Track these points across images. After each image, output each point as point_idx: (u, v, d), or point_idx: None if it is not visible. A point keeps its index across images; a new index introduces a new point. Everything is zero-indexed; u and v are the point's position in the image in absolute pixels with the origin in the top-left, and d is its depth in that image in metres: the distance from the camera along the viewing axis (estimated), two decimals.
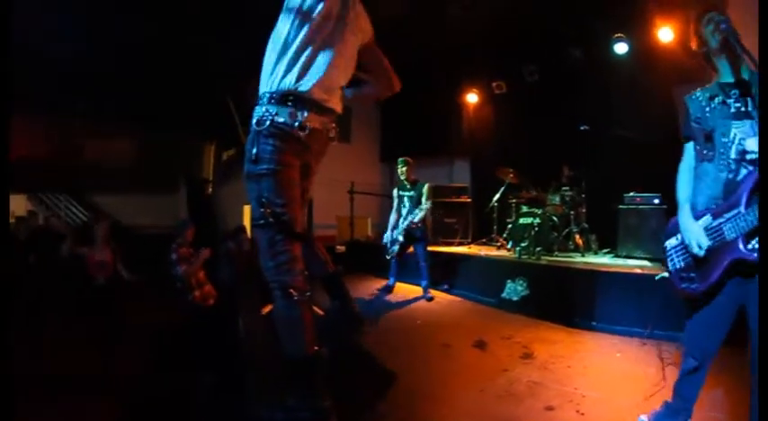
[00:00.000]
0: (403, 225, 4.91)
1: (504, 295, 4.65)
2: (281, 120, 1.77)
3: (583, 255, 5.13)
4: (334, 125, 1.97)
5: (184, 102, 9.05)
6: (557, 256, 5.10)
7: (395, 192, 5.18)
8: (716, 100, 1.68)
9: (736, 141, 1.61)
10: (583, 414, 2.28)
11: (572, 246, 5.41)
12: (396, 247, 4.98)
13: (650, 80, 5.41)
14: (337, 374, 2.00)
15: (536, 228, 5.22)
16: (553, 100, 6.60)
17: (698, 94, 1.76)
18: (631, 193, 4.92)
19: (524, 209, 5.74)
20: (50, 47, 6.56)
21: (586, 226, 5.55)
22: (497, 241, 6.28)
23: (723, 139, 1.64)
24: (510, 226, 5.87)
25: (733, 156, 1.62)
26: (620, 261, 4.72)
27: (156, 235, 13.00)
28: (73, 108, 9.99)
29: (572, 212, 5.53)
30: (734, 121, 1.63)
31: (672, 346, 3.15)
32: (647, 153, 4.91)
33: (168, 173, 14.97)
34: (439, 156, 8.58)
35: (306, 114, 1.79)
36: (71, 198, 14.64)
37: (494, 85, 7.55)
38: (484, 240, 6.70)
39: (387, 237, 5.10)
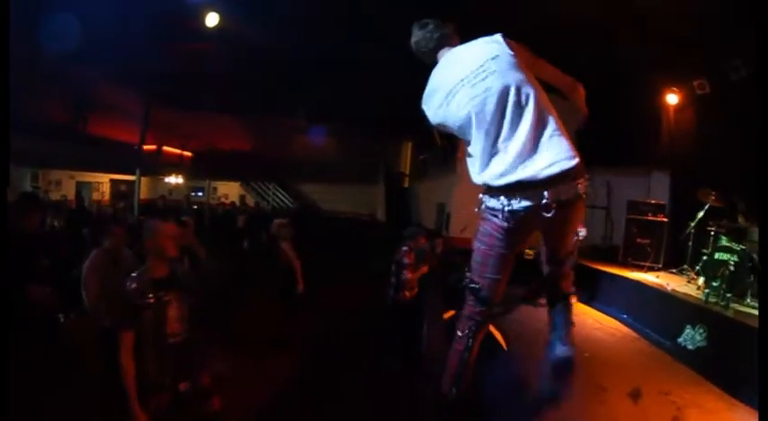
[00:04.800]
0: None
1: (679, 340, 4.55)
2: None
3: None
4: None
5: (386, 105, 9.91)
6: (749, 305, 4.52)
7: None
8: None
9: None
10: None
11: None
12: None
13: None
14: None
15: (732, 268, 4.74)
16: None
17: None
18: None
19: (723, 241, 5.18)
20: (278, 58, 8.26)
21: None
22: (689, 274, 5.81)
23: None
24: (704, 258, 5.38)
25: None
26: None
27: (351, 219, 15.58)
28: (294, 112, 12.28)
29: None
30: None
31: None
32: None
33: (369, 167, 17.14)
34: (634, 167, 7.99)
35: None
36: (279, 186, 18.27)
37: (695, 84, 6.67)
38: (674, 271, 6.22)
39: None
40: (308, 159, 17.52)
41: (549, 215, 1.64)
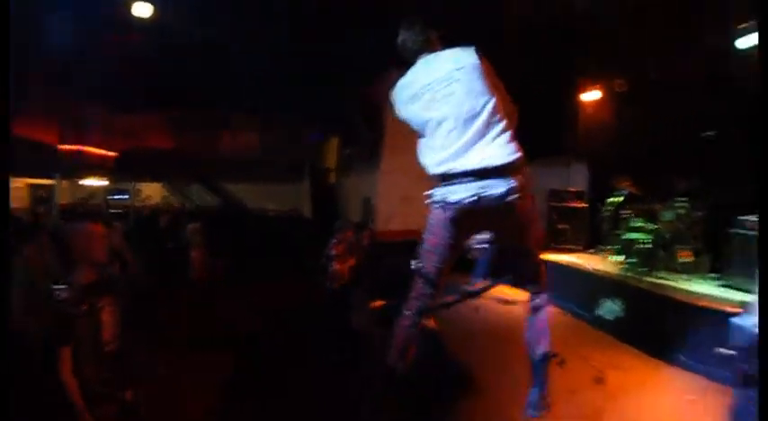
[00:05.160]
0: None
1: (599, 312, 4.95)
2: None
3: (689, 280, 4.96)
4: None
5: (311, 98, 9.80)
6: (661, 277, 4.99)
7: None
8: None
9: None
10: None
11: (680, 268, 5.26)
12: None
13: None
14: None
15: (644, 246, 5.26)
16: (677, 101, 6.24)
17: None
18: (748, 217, 4.41)
19: (636, 222, 5.70)
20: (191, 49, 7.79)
21: (699, 247, 5.31)
22: (605, 253, 6.34)
23: None
24: (621, 238, 5.87)
25: None
26: (726, 292, 4.33)
27: (279, 218, 15.37)
28: (209, 103, 11.47)
29: (686, 230, 5.38)
30: None
31: None
32: None
33: (295, 164, 16.80)
34: (555, 159, 8.49)
35: None
36: (203, 185, 17.53)
37: (615, 82, 7.26)
38: (593, 251, 6.78)
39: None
40: (233, 157, 16.92)
41: (486, 206, 1.80)
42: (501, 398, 3.07)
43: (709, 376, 3.44)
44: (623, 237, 5.80)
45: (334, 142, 16.87)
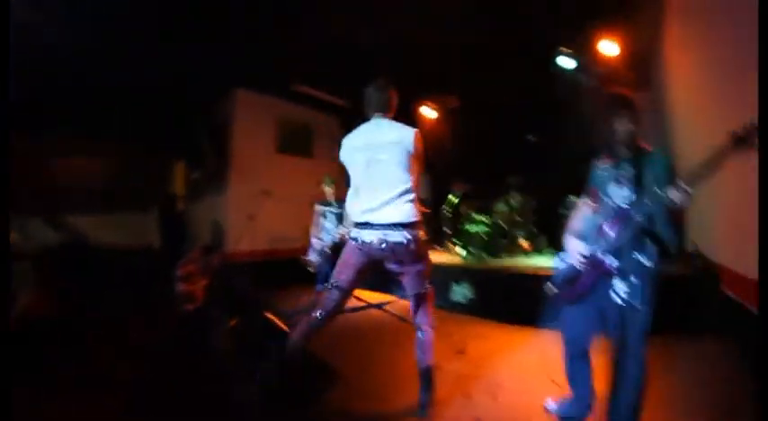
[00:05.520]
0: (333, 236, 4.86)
1: (453, 298, 4.84)
2: None
3: (528, 257, 5.35)
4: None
5: (153, 121, 9.18)
6: (503, 259, 5.33)
7: (319, 207, 5.14)
8: (608, 169, 2.17)
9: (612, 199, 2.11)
10: (496, 400, 2.60)
11: (519, 250, 5.65)
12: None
13: (593, 92, 5.72)
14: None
15: (483, 235, 5.49)
16: (503, 113, 6.91)
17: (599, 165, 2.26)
18: (573, 198, 5.05)
19: (474, 216, 5.98)
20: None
21: (534, 230, 5.80)
22: (451, 248, 6.52)
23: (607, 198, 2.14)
24: (462, 231, 6.06)
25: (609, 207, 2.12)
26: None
27: (128, 250, 13.25)
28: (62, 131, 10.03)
29: (519, 218, 5.79)
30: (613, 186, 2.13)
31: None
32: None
33: (141, 192, 15.12)
34: None
35: None
36: (42, 218, 14.50)
37: (447, 99, 7.82)
38: (438, 248, 6.93)
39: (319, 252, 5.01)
40: (74, 186, 13.85)
41: (386, 247, 2.45)
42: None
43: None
44: (465, 231, 6.00)
45: (180, 167, 15.73)
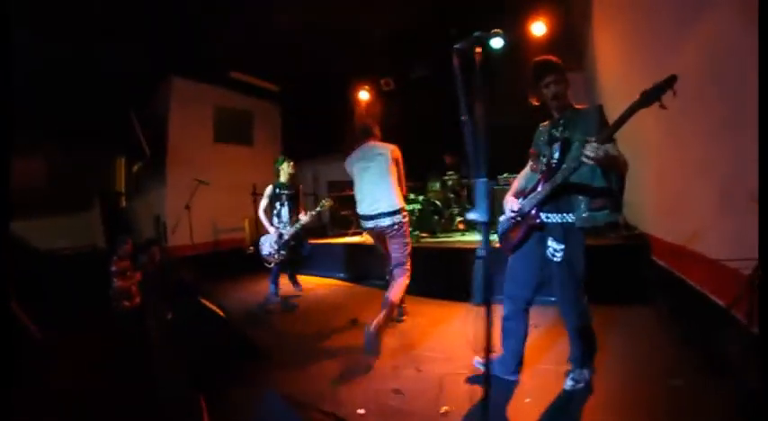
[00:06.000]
0: (299, 225, 4.58)
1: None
2: None
3: (463, 234, 5.44)
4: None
5: (88, 116, 8.55)
6: (438, 237, 5.36)
7: (271, 189, 4.75)
8: (546, 130, 2.29)
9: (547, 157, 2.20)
10: (420, 371, 2.67)
11: (454, 227, 5.71)
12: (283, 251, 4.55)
13: (524, 72, 5.83)
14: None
15: (417, 214, 5.51)
16: (436, 94, 6.91)
17: (540, 127, 2.39)
18: (504, 175, 5.26)
19: (408, 196, 5.96)
20: None
21: (468, 207, 5.89)
22: None
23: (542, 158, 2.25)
24: None
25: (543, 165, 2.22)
26: (494, 236, 4.95)
27: (72, 254, 12.09)
28: None
29: (453, 196, 5.85)
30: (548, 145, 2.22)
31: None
32: (524, 137, 5.28)
33: (81, 190, 13.98)
34: (333, 155, 8.53)
35: None
36: None
37: (382, 82, 7.79)
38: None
39: (271, 244, 4.59)
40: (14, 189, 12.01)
41: (378, 231, 3.50)
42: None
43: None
44: None
45: (120, 163, 14.59)
